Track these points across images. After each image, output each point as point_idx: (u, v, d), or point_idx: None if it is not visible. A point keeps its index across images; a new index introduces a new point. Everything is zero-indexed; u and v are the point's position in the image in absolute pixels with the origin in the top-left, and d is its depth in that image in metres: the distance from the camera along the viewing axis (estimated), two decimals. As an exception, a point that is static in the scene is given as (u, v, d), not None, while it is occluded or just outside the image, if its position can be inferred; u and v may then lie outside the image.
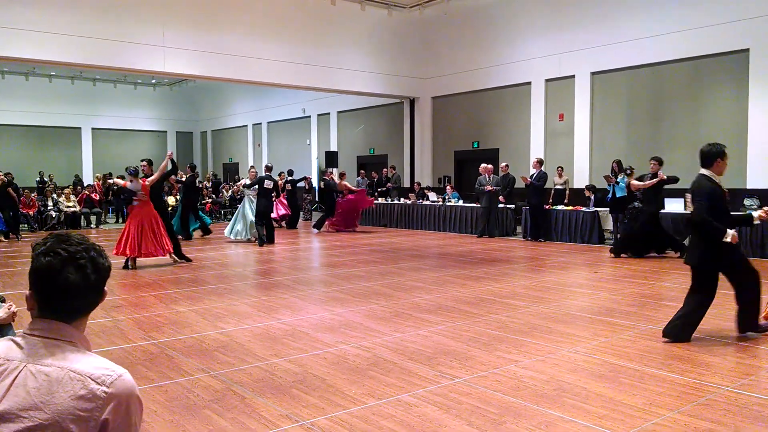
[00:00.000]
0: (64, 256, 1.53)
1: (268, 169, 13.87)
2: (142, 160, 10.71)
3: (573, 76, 15.86)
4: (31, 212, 16.55)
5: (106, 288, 1.63)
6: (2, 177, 14.70)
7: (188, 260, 10.31)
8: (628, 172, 11.44)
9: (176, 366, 4.59)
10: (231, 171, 29.50)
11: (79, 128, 28.24)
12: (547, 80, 16.50)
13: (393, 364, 4.58)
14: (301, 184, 18.88)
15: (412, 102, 20.29)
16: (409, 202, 17.11)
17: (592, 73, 15.48)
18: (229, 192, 21.17)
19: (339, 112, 23.59)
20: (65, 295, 1.54)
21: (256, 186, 13.33)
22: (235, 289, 7.94)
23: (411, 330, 5.60)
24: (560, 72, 16.12)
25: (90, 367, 1.50)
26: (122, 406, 1.49)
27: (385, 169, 20.02)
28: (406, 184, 19.81)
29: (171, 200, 16.68)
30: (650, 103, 14.62)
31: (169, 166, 10.39)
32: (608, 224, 12.81)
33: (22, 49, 13.54)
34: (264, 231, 13.01)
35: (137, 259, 9.73)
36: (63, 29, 13.66)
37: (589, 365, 4.54)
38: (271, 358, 4.78)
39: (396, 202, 17.59)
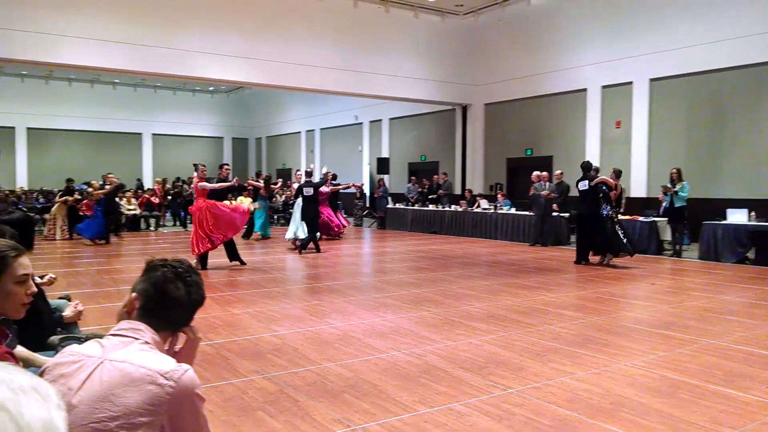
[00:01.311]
0: (179, 272, 1.79)
1: (308, 174, 13.12)
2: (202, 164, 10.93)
3: (630, 83, 15.52)
4: (94, 214, 17.15)
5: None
6: (113, 179, 14.86)
7: (243, 263, 10.53)
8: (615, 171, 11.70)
9: (231, 367, 4.69)
10: (284, 177, 29.98)
11: (140, 134, 29.24)
12: (603, 87, 16.19)
13: (444, 372, 4.56)
14: (352, 189, 19.02)
15: (464, 109, 20.21)
16: (460, 209, 17.02)
17: (651, 80, 15.11)
18: (282, 197, 21.50)
19: (391, 119, 23.70)
20: (167, 304, 1.75)
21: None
22: (288, 292, 8.06)
23: (462, 338, 5.57)
24: (617, 78, 15.80)
25: (159, 363, 1.60)
26: (187, 400, 1.58)
27: (436, 176, 19.98)
28: (458, 191, 19.73)
29: (247, 202, 16.95)
30: (711, 111, 14.16)
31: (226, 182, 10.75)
32: (666, 234, 12.45)
33: (88, 57, 14.15)
34: (317, 239, 12.76)
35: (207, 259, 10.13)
36: (126, 38, 14.19)
37: (647, 380, 4.41)
38: (324, 362, 4.83)
39: (447, 209, 17.53)
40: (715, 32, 13.74)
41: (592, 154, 16.27)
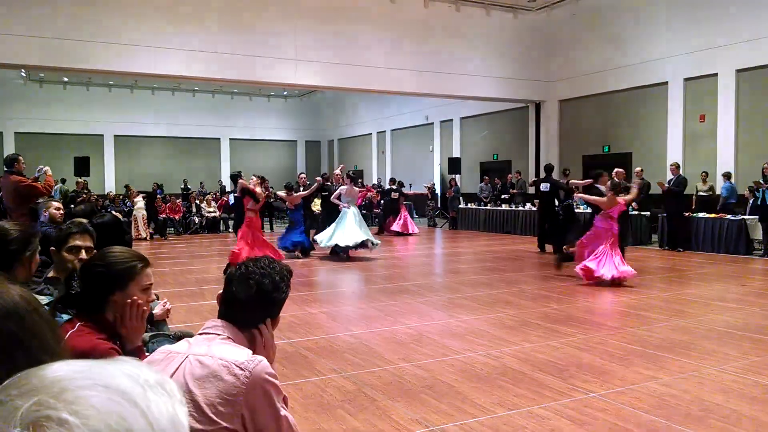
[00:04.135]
0: (242, 273, 1.83)
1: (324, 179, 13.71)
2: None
3: (715, 75, 14.77)
4: (176, 217, 17.90)
5: (279, 316, 1.94)
6: (317, 178, 13.55)
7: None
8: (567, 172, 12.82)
9: (310, 365, 4.78)
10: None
11: (219, 139, 30.21)
12: (685, 79, 15.49)
13: (522, 374, 4.49)
14: (424, 191, 19.01)
15: (537, 106, 19.81)
16: (534, 208, 16.68)
17: (737, 71, 14.34)
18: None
19: (462, 119, 23.50)
20: (233, 303, 1.84)
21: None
22: (362, 293, 8.14)
23: (540, 340, 5.46)
24: (701, 70, 15.07)
25: (236, 355, 1.70)
26: (261, 390, 1.66)
27: (509, 175, 19.67)
28: (531, 190, 19.35)
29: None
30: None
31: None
32: (757, 233, 11.78)
33: (170, 66, 14.77)
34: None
35: None
36: (205, 47, 14.71)
37: (739, 386, 4.19)
38: (400, 362, 4.85)
39: (521, 208, 17.24)
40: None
41: (675, 150, 15.60)
